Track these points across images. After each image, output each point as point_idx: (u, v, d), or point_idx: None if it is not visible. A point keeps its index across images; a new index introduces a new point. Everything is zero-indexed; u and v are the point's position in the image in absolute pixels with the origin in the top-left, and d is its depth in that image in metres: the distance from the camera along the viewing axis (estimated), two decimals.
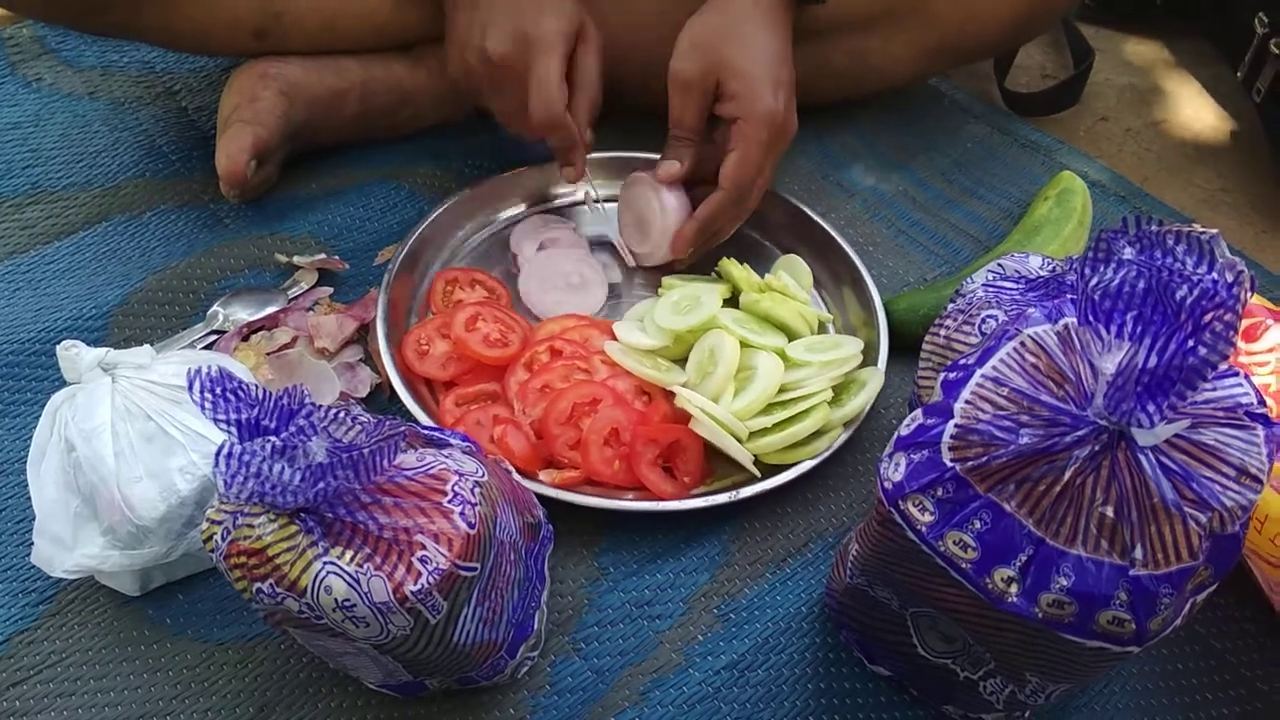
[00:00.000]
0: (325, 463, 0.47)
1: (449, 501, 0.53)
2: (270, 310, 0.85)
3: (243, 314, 0.85)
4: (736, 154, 0.83)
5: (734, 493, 0.74)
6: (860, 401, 0.77)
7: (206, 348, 0.83)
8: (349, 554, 0.51)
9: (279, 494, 0.47)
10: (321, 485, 0.48)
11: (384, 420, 0.52)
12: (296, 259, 0.90)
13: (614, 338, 0.83)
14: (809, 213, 0.94)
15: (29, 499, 0.67)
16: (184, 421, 0.65)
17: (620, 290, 0.93)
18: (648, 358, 0.81)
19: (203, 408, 0.47)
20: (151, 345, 0.69)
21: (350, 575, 0.50)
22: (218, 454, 0.46)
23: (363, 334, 0.86)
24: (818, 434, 0.76)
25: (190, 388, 0.47)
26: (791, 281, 0.85)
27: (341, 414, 0.51)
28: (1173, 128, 1.21)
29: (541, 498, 0.71)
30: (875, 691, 0.68)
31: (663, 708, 0.66)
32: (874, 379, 0.79)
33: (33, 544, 0.66)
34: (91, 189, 0.97)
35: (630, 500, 0.74)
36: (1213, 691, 0.70)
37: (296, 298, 0.87)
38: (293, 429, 0.48)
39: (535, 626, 0.66)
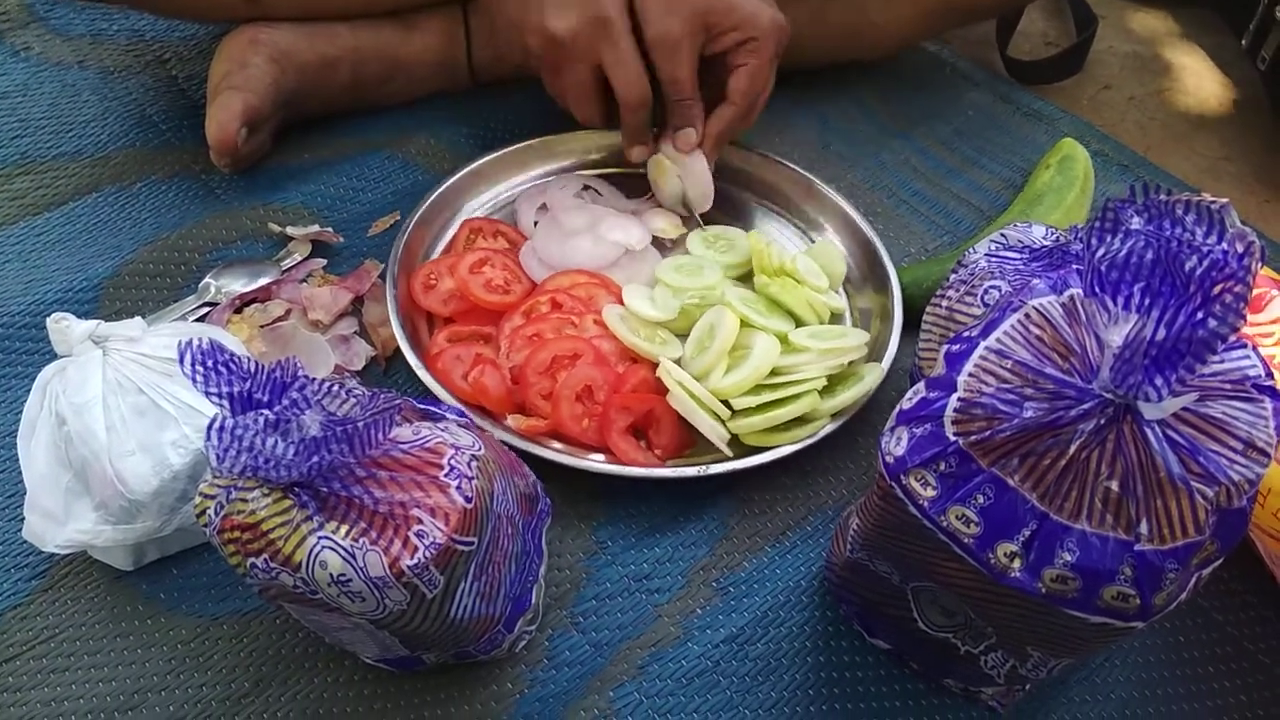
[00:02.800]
0: (319, 436, 0.47)
1: (445, 475, 0.52)
2: (263, 282, 0.84)
3: (235, 286, 0.84)
4: (748, 69, 0.82)
5: (703, 468, 0.72)
6: (852, 395, 0.76)
7: (199, 320, 0.82)
8: (344, 528, 0.50)
9: (272, 468, 0.46)
10: (316, 459, 0.47)
11: (379, 393, 0.52)
12: (290, 230, 0.89)
13: (621, 302, 0.82)
14: (846, 207, 0.92)
15: (20, 473, 0.66)
16: (176, 395, 0.64)
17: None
18: (646, 327, 0.80)
19: (194, 381, 0.46)
20: (143, 318, 0.69)
21: (345, 550, 0.49)
22: (209, 428, 0.46)
23: (357, 306, 0.85)
24: (802, 421, 0.75)
25: (181, 361, 0.46)
26: (813, 268, 0.84)
27: (336, 387, 0.50)
28: (1176, 96, 1.20)
29: (528, 458, 0.70)
30: (875, 665, 0.68)
31: (661, 681, 0.66)
32: (872, 374, 0.77)
33: (24, 519, 0.65)
34: (81, 159, 0.96)
35: (609, 464, 0.73)
36: (1215, 665, 0.69)
37: (290, 269, 0.86)
38: (286, 402, 0.47)
39: (533, 600, 0.65)
